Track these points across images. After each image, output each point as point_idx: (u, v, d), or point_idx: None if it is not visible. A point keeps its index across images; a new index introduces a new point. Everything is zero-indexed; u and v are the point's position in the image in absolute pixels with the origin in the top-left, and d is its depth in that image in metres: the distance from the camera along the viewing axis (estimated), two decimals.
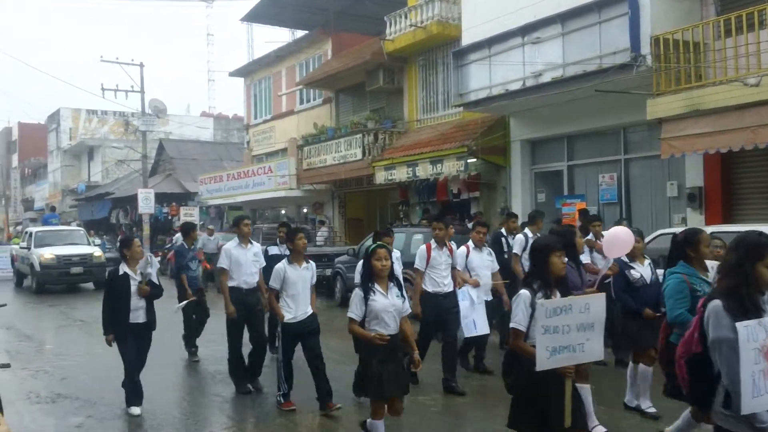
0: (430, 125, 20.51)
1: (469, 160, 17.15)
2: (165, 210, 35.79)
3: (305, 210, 27.36)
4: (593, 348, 4.59)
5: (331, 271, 17.40)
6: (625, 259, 7.19)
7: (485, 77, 15.91)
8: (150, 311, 7.64)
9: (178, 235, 29.44)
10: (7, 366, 7.60)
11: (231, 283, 8.49)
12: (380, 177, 20.13)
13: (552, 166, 17.09)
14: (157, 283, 7.76)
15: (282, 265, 7.38)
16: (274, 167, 26.09)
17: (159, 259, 29.90)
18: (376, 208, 24.15)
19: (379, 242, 6.42)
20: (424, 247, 8.70)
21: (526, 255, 9.50)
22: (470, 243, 9.13)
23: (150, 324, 7.66)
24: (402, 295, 5.82)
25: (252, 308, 8.57)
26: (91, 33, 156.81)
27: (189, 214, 33.16)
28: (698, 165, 13.37)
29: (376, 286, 5.70)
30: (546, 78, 14.34)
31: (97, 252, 22.40)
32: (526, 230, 10.35)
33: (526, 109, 16.19)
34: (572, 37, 13.94)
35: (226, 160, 39.63)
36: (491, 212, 18.18)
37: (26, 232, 24.37)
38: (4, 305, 8.35)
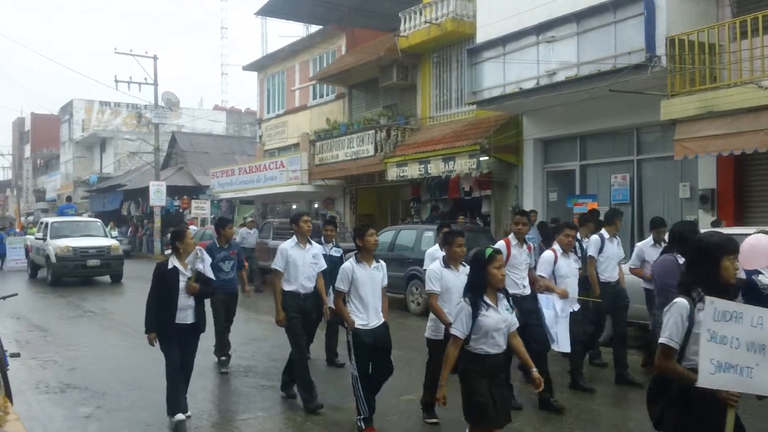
0: (443, 122, 20.48)
1: (481, 158, 17.12)
2: (176, 203, 35.93)
3: (316, 205, 27.37)
4: (762, 378, 3.61)
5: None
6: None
7: (499, 75, 15.87)
8: (199, 311, 6.94)
9: (190, 227, 29.71)
10: (16, 355, 7.60)
11: (287, 287, 7.67)
12: (392, 173, 20.12)
13: (564, 165, 17.04)
14: (210, 278, 7.11)
15: (350, 264, 6.56)
16: (286, 162, 26.11)
17: (170, 252, 30.06)
18: (388, 204, 24.14)
19: (491, 247, 5.25)
20: (502, 242, 7.74)
21: (601, 258, 8.92)
22: (556, 247, 8.08)
23: (199, 325, 6.96)
24: (511, 307, 5.13)
25: (309, 315, 7.86)
26: (106, 25, 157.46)
27: (200, 207, 33.30)
28: (711, 167, 13.30)
29: (486, 298, 4.94)
30: (560, 77, 14.29)
31: (114, 244, 21.89)
32: (603, 231, 9.15)
33: (539, 108, 16.14)
34: (587, 36, 13.88)
35: (238, 154, 39.73)
36: (502, 211, 18.14)
37: (42, 223, 23.78)
38: (15, 295, 8.34)
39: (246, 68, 32.94)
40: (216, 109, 54.81)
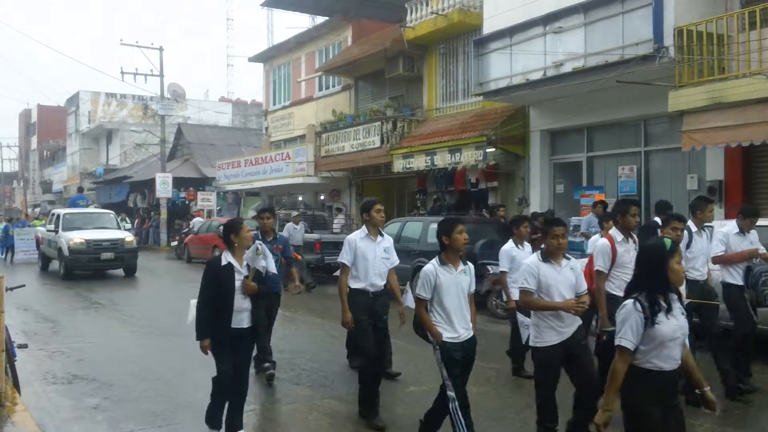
0: (450, 114, 20.43)
1: (487, 150, 17.08)
2: (182, 194, 35.96)
3: (322, 197, 27.37)
4: None
5: None
6: None
7: (506, 66, 15.81)
8: (256, 314, 6.19)
9: (196, 219, 29.83)
10: (24, 346, 7.64)
11: (354, 284, 6.88)
12: (398, 165, 20.09)
13: (571, 157, 16.99)
14: (274, 273, 6.64)
15: (432, 267, 5.60)
16: (292, 154, 26.10)
17: (176, 243, 30.18)
18: (394, 196, 24.11)
19: (666, 237, 4.47)
20: (605, 242, 6.83)
21: (688, 254, 7.48)
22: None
23: (255, 330, 6.23)
24: (686, 310, 4.38)
25: (379, 317, 6.92)
26: (112, 17, 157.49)
27: (206, 199, 33.32)
28: (719, 158, 13.25)
29: (661, 300, 4.08)
30: (567, 68, 14.24)
31: (128, 237, 21.45)
32: (689, 223, 7.77)
33: (546, 99, 16.08)
34: (595, 27, 13.82)
35: (244, 146, 39.72)
36: (509, 202, 18.11)
37: (53, 214, 23.18)
38: (23, 286, 8.36)
39: (252, 60, 32.90)
40: (222, 100, 54.81)
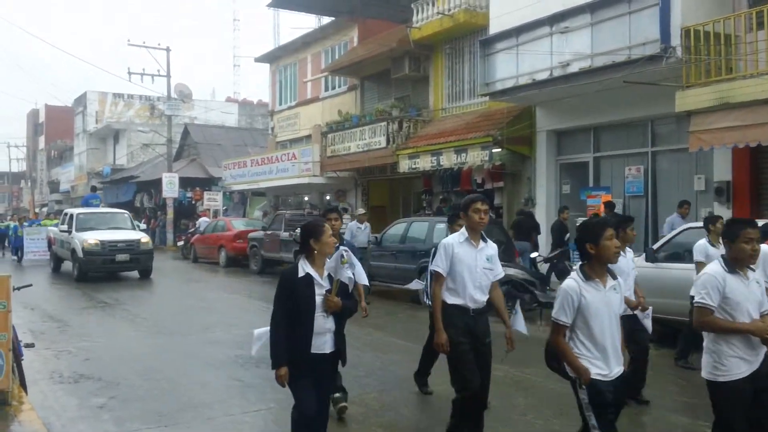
0: (456, 114, 20.42)
1: (493, 150, 17.06)
2: (189, 194, 36.03)
3: (328, 197, 27.38)
4: None
5: None
6: None
7: (512, 67, 15.79)
8: (339, 335, 5.06)
9: (203, 219, 29.88)
10: (31, 346, 7.66)
11: (450, 299, 5.73)
12: (404, 165, 20.08)
13: (578, 157, 16.96)
14: (363, 285, 5.79)
15: (574, 282, 4.40)
16: (298, 154, 26.11)
17: (182, 243, 30.23)
18: (400, 196, 24.11)
19: None
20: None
21: None
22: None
23: (338, 355, 5.09)
24: None
25: (480, 340, 5.77)
26: (119, 17, 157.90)
27: (212, 198, 33.37)
28: (726, 159, 13.21)
29: None
30: (574, 68, 14.22)
31: (144, 238, 20.70)
32: None
33: (552, 100, 16.05)
34: (601, 27, 13.80)
35: (250, 146, 39.78)
36: (515, 203, 18.08)
37: (66, 214, 22.37)
38: (30, 285, 8.38)
39: (258, 60, 32.94)
40: (228, 100, 54.85)
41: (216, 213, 32.77)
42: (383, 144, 21.20)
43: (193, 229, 29.96)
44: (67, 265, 21.60)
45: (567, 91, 14.91)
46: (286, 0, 28.50)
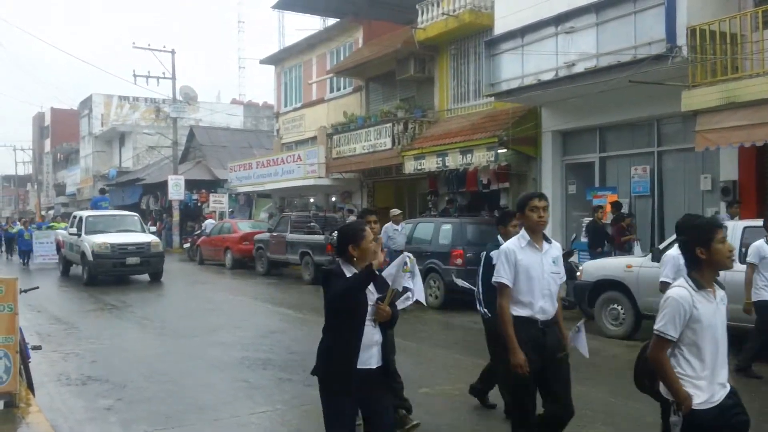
0: (461, 115, 20.40)
1: (499, 151, 17.04)
2: (195, 196, 36.09)
3: (333, 199, 27.40)
4: None
5: None
6: None
7: (517, 67, 15.77)
8: (387, 347, 4.45)
9: (209, 221, 29.93)
10: (38, 348, 7.66)
11: (516, 311, 4.99)
12: (409, 166, 20.08)
13: (583, 157, 16.92)
14: (417, 297, 5.36)
15: (686, 291, 3.79)
16: (304, 155, 26.13)
17: (188, 245, 30.30)
18: (405, 197, 24.10)
19: None
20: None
21: None
22: None
23: (386, 370, 4.47)
24: None
25: (551, 355, 4.99)
26: (124, 19, 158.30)
27: (218, 200, 33.42)
28: (733, 158, 13.17)
29: None
30: (579, 68, 14.18)
31: (154, 240, 20.44)
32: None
33: (558, 100, 16.03)
34: (607, 26, 13.77)
35: (255, 148, 39.85)
36: None
37: (75, 217, 22.07)
38: (37, 288, 8.40)
39: (263, 62, 32.98)
40: (233, 103, 54.95)
41: (222, 215, 32.82)
42: (388, 145, 21.20)
43: (199, 231, 30.02)
44: (76, 269, 21.48)
45: (572, 92, 14.89)
46: (291, 2, 28.58)
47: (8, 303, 6.26)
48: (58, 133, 65.15)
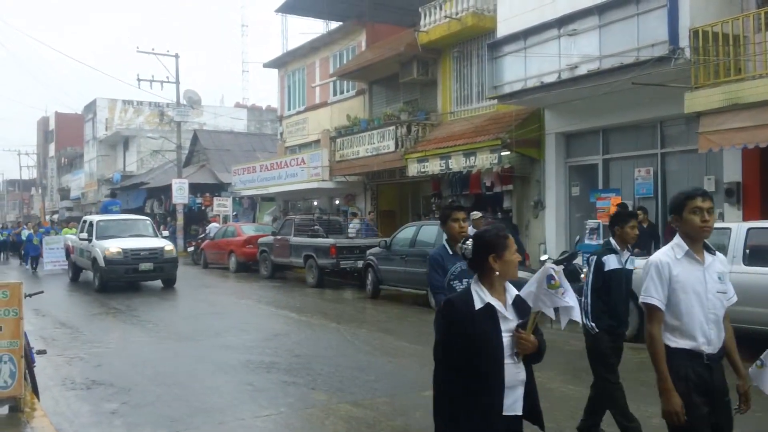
0: (464, 117, 20.42)
1: (502, 153, 17.04)
2: (199, 200, 36.16)
3: (337, 202, 27.43)
4: None
5: (362, 263, 17.49)
6: None
7: (520, 69, 15.79)
8: (531, 387, 3.51)
9: (213, 224, 29.98)
10: (43, 352, 7.68)
11: (673, 341, 3.89)
12: (413, 169, 20.09)
13: (587, 159, 16.92)
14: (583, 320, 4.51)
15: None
16: (307, 159, 26.18)
17: (192, 249, 30.33)
18: (409, 200, 24.13)
19: None
20: None
21: None
22: None
23: (539, 416, 3.56)
24: None
25: (720, 398, 3.89)
26: (127, 24, 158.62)
27: (222, 204, 33.48)
28: (736, 160, 13.15)
29: None
30: (582, 70, 14.19)
31: (168, 246, 19.83)
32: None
33: (561, 102, 16.02)
34: (609, 29, 13.78)
35: (259, 151, 39.91)
36: (524, 206, 18.06)
37: (85, 221, 21.52)
38: (41, 292, 8.42)
39: (266, 65, 33.04)
40: (237, 106, 55.05)
41: (226, 218, 32.87)
42: (392, 148, 21.22)
43: (203, 235, 30.07)
44: (86, 275, 21.11)
45: (575, 94, 14.89)
46: (294, 5, 28.69)
47: (13, 307, 6.28)
48: (63, 137, 65.34)
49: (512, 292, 3.48)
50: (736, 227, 9.64)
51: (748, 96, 11.50)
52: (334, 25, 29.73)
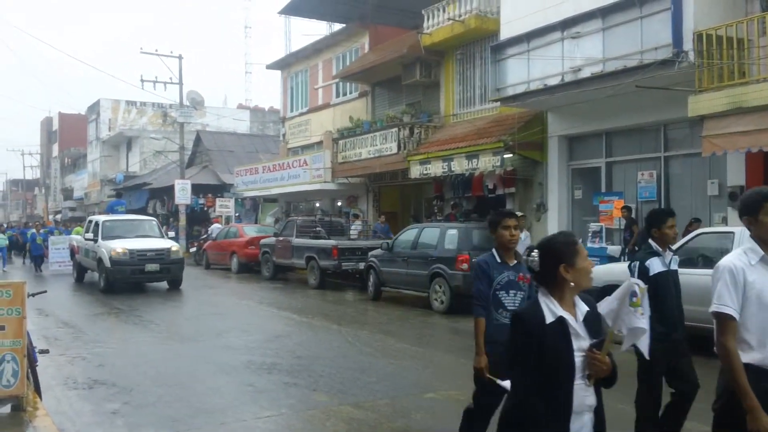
0: (467, 120, 20.42)
1: (505, 156, 17.03)
2: (201, 201, 36.19)
3: (339, 203, 27.44)
4: None
5: (364, 265, 17.49)
6: None
7: (523, 72, 15.79)
8: (600, 415, 3.15)
9: (215, 225, 30.00)
10: (45, 352, 7.69)
11: (748, 356, 3.47)
12: (415, 171, 20.09)
13: (590, 162, 16.91)
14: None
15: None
16: (310, 160, 26.19)
17: (194, 250, 30.36)
18: (411, 202, 24.13)
19: None
20: None
21: None
22: None
23: None
24: None
25: None
26: (131, 25, 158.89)
27: (224, 205, 33.51)
28: (740, 163, 13.13)
29: None
30: (585, 73, 14.19)
31: (174, 246, 19.62)
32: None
33: (564, 105, 16.02)
34: (613, 31, 13.77)
35: (262, 153, 39.93)
36: (527, 208, 18.05)
37: (91, 222, 21.28)
38: (44, 292, 8.43)
39: (269, 67, 33.09)
40: (240, 107, 55.11)
41: (228, 219, 32.90)
42: (394, 150, 21.23)
43: (205, 236, 30.09)
44: (92, 276, 21.06)
45: (578, 96, 14.87)
46: (298, 7, 28.70)
47: (16, 307, 6.29)
48: (66, 137, 65.49)
49: (582, 307, 3.11)
50: (740, 231, 9.61)
51: (752, 100, 11.50)
52: (337, 26, 29.76)
